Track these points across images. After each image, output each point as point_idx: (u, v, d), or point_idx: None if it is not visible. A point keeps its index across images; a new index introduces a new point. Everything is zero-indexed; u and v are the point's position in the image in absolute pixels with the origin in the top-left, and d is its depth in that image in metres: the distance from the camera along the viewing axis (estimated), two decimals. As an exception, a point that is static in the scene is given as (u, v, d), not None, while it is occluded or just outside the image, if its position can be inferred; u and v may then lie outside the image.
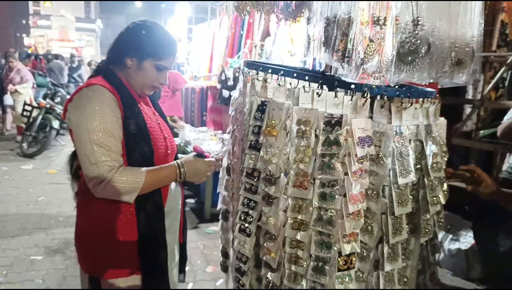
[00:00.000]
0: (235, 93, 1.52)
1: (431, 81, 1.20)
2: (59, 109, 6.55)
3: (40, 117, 6.48)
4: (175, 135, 4.55)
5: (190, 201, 4.47)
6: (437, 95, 1.32)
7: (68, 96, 1.47)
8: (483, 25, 1.32)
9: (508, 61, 3.25)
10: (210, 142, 4.38)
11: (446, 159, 1.32)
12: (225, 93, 5.05)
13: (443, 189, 1.31)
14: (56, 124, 6.44)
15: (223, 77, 5.15)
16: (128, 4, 33.01)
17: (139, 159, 1.36)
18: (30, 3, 30.47)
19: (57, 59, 11.73)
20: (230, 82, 5.02)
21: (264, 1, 1.47)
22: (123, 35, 1.42)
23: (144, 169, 1.33)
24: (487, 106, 3.66)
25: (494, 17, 3.60)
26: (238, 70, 4.86)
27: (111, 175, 1.26)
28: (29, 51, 18.82)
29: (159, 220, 1.43)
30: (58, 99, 7.13)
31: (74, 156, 1.49)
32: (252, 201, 1.29)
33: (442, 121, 1.36)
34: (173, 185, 1.52)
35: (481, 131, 3.64)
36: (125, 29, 1.43)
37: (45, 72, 9.78)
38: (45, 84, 8.65)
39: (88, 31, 33.08)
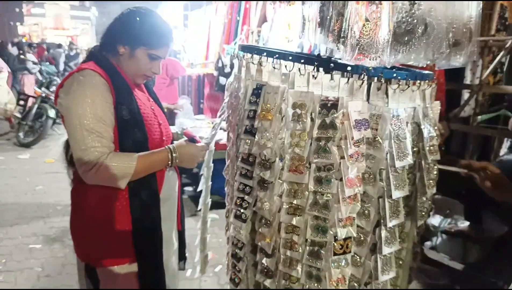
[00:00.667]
0: (230, 78, 1.49)
1: (428, 62, 1.18)
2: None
3: (36, 106, 6.43)
4: (172, 123, 4.52)
5: (188, 189, 4.47)
6: (434, 77, 1.30)
7: None
8: (481, 5, 1.29)
9: (507, 45, 3.21)
10: (208, 129, 4.35)
11: (438, 143, 1.30)
12: (222, 80, 5.01)
13: (434, 172, 1.30)
14: (52, 113, 6.40)
15: (220, 64, 5.10)
16: (123, -10, 32.48)
17: (133, 146, 1.35)
18: (23, -10, 29.96)
19: (60, 48, 11.72)
20: (227, 69, 4.97)
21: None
22: (117, 21, 1.39)
23: (135, 154, 1.32)
24: (486, 91, 3.63)
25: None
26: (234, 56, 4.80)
27: (101, 161, 1.24)
28: (24, 40, 18.59)
29: (155, 208, 1.43)
30: (53, 88, 7.06)
31: (68, 143, 1.47)
32: (248, 187, 1.28)
33: (437, 104, 1.34)
34: (169, 172, 1.51)
35: (479, 116, 3.63)
36: (119, 15, 1.40)
37: (39, 60, 9.69)
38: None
39: (83, 19, 32.61)
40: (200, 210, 1.77)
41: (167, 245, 1.52)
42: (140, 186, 1.36)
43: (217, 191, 2.18)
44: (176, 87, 4.96)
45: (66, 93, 1.29)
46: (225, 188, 1.51)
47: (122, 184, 1.30)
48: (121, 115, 1.32)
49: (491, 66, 3.46)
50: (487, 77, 3.54)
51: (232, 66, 4.87)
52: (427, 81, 1.22)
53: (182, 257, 1.74)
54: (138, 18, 1.35)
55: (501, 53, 3.27)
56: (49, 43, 14.22)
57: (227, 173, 1.49)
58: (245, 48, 1.39)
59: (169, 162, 1.40)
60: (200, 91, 6.19)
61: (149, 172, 1.37)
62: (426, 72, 1.27)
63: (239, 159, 1.31)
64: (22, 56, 8.95)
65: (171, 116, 4.74)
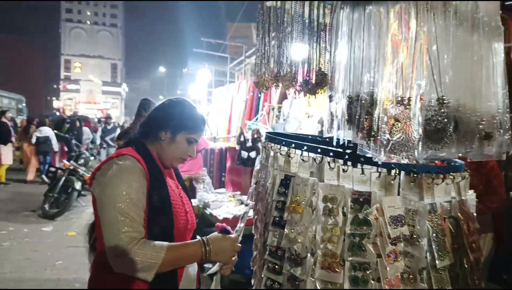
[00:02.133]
0: (256, 166, 1.51)
1: (460, 155, 1.16)
2: (82, 170, 6.71)
3: (63, 178, 6.62)
4: (193, 196, 4.51)
5: (208, 266, 4.31)
6: (466, 168, 1.27)
7: (92, 158, 1.51)
8: (507, 96, 1.30)
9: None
10: (229, 203, 4.32)
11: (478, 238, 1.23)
12: (244, 154, 5.10)
13: (479, 268, 1.21)
14: (78, 185, 6.55)
15: (241, 139, 5.24)
16: (153, 69, 35.10)
17: (158, 232, 1.33)
18: (62, 69, 32.92)
19: (99, 123, 12.59)
20: (249, 144, 5.08)
21: (283, 77, 1.52)
22: (158, 111, 1.50)
23: (165, 244, 1.28)
24: (515, 166, 3.53)
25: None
26: (257, 133, 4.94)
27: (130, 247, 1.22)
28: (57, 114, 19.92)
29: None
30: (81, 161, 7.33)
31: (93, 227, 1.47)
32: (276, 283, 1.21)
33: (471, 194, 1.30)
34: None
35: (511, 192, 3.48)
36: (160, 106, 1.52)
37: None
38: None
39: (114, 94, 34.94)
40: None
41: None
42: (158, 279, 1.29)
43: (240, 269, 2.02)
44: (199, 159, 5.06)
45: (103, 176, 1.32)
46: (252, 280, 1.44)
47: (148, 276, 1.24)
48: (152, 201, 1.33)
49: (518, 142, 3.39)
50: (515, 153, 3.45)
51: (253, 141, 4.99)
52: (460, 173, 1.20)
53: None
54: (178, 107, 1.47)
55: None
56: (81, 116, 15.06)
57: (255, 264, 1.44)
58: (272, 139, 1.42)
59: (202, 256, 1.32)
60: (222, 164, 6.27)
61: (179, 265, 1.32)
62: (459, 162, 1.25)
63: (267, 252, 1.26)
64: (71, 137, 9.61)
65: (191, 188, 4.75)
